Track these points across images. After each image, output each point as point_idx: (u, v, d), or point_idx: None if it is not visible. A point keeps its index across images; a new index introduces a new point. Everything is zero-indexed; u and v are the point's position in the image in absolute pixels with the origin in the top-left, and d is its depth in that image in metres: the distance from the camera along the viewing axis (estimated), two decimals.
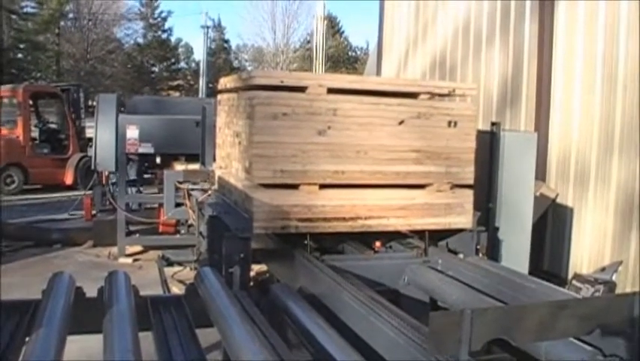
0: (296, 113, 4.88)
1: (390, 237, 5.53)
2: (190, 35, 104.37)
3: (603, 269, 7.53)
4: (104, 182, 12.20)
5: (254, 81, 5.02)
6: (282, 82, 4.95)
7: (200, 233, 6.50)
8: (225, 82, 6.07)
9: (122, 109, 11.44)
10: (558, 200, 8.38)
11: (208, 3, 67.79)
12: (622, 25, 7.52)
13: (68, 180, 17.91)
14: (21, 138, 17.97)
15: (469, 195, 5.45)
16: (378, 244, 5.49)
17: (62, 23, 53.25)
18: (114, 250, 10.66)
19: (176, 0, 79.89)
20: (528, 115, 9.06)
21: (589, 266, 7.89)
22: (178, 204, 7.65)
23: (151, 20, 60.38)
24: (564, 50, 8.51)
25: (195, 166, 9.01)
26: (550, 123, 8.61)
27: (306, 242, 5.04)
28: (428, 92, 5.39)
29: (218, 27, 64.19)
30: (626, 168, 7.40)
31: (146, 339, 3.56)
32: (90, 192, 12.99)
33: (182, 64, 65.62)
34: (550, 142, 8.57)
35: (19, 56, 49.83)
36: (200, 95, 40.74)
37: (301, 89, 4.96)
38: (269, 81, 4.99)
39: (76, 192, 15.95)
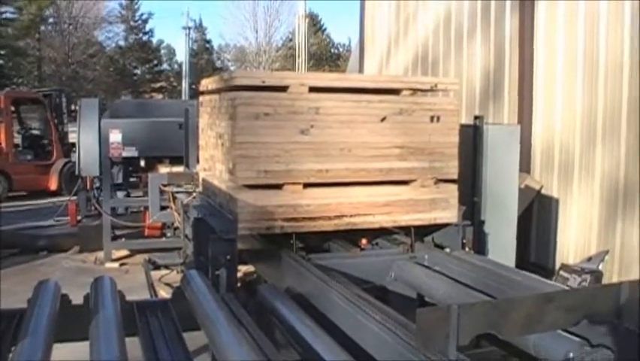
0: (278, 113, 4.87)
1: (376, 234, 5.53)
2: (172, 37, 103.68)
3: (590, 259, 7.57)
4: (88, 187, 12.13)
5: (235, 82, 5.00)
6: (263, 82, 4.94)
7: (186, 236, 6.48)
8: (207, 83, 6.05)
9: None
10: (543, 191, 8.41)
11: (189, 3, 67.30)
12: (602, 16, 7.55)
13: (53, 185, 17.82)
14: (3, 144, 17.82)
15: (453, 190, 5.46)
16: (364, 241, 5.49)
17: (43, 28, 53.06)
18: (100, 255, 10.60)
19: (157, 1, 79.76)
20: (511, 108, 9.09)
21: (575, 256, 7.93)
22: (163, 207, 7.63)
23: (132, 23, 60.29)
24: (545, 42, 8.54)
25: (180, 169, 8.98)
26: (533, 115, 8.64)
27: (292, 242, 5.03)
28: (410, 88, 5.38)
29: (200, 27, 64.17)
30: (609, 158, 7.43)
31: (133, 344, 3.54)
32: (75, 197, 12.91)
33: (165, 65, 65.60)
34: (534, 134, 8.60)
35: (0, 62, 49.54)
36: (183, 96, 40.57)
37: (283, 89, 4.95)
38: (250, 81, 4.97)
39: (61, 198, 15.86)
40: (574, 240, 8.02)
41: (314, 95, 4.99)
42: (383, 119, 5.14)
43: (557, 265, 8.01)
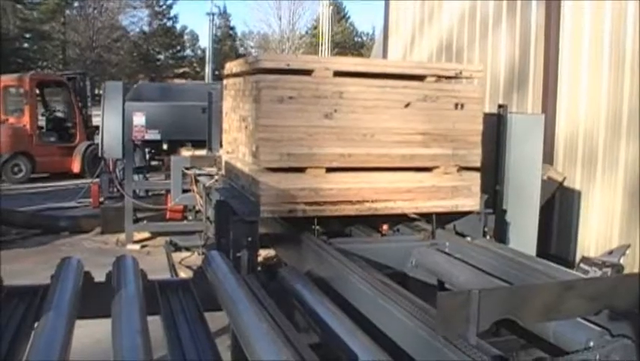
0: (302, 97, 4.87)
1: (398, 220, 5.53)
2: (195, 23, 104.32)
3: (611, 252, 7.52)
4: (111, 169, 12.22)
5: (260, 65, 5.01)
6: (288, 65, 4.94)
7: (208, 218, 6.51)
8: (232, 66, 6.06)
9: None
10: (565, 183, 8.35)
11: None
12: (629, 6, 7.47)
13: (75, 168, 17.94)
14: (28, 126, 17.97)
15: (476, 178, 5.44)
16: (385, 227, 5.50)
17: (68, 12, 53.32)
18: (122, 236, 10.68)
19: None
20: (535, 97, 9.02)
21: (596, 249, 7.88)
22: (185, 190, 7.66)
23: (156, 8, 60.43)
24: (571, 32, 8.46)
25: (202, 152, 9.02)
26: (557, 106, 8.57)
27: (313, 226, 5.04)
28: (434, 75, 5.36)
29: (224, 14, 64.25)
30: (634, 150, 7.36)
31: (155, 323, 3.57)
32: (97, 179, 13.03)
33: (188, 51, 65.72)
34: (558, 125, 8.54)
35: (25, 45, 49.90)
36: (206, 81, 40.70)
37: (307, 72, 4.95)
38: (275, 64, 4.98)
39: (83, 180, 15.98)
40: (595, 232, 7.97)
41: (338, 80, 4.99)
42: (407, 105, 5.13)
43: (578, 258, 7.96)
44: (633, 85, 7.40)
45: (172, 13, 62.10)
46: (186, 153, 9.70)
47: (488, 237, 5.42)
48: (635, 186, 7.37)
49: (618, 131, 7.60)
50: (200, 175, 7.07)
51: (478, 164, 5.44)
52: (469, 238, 5.31)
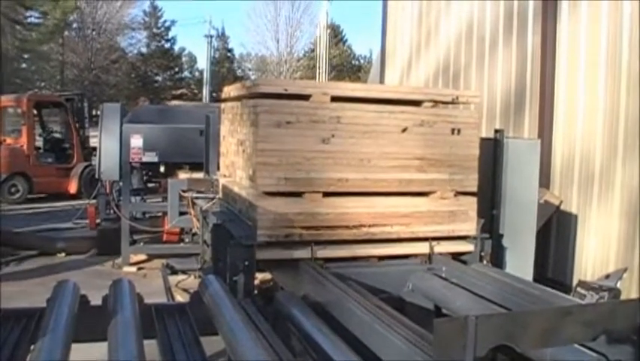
0: (300, 122, 4.90)
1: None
2: (193, 44, 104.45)
3: (608, 276, 7.50)
4: (108, 191, 12.20)
5: (258, 89, 5.03)
6: (285, 90, 4.97)
7: (205, 241, 6.50)
8: (229, 90, 6.09)
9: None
10: (562, 207, 8.36)
11: (211, 11, 67.75)
12: (625, 31, 7.52)
13: (72, 189, 17.89)
14: (25, 147, 17.94)
15: (472, 202, 5.46)
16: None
17: (66, 33, 53.45)
18: (118, 259, 10.65)
19: (180, 9, 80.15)
20: (532, 120, 9.05)
21: (594, 273, 7.87)
22: (182, 213, 7.66)
23: (154, 30, 60.60)
24: (568, 57, 8.50)
25: (199, 175, 9.01)
26: (553, 130, 8.60)
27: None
28: (431, 100, 5.40)
29: (222, 36, 64.40)
30: (630, 175, 7.37)
31: (151, 347, 3.56)
32: (94, 201, 12.98)
33: (186, 73, 65.87)
34: (554, 149, 8.56)
35: (24, 65, 49.97)
36: (204, 102, 40.78)
37: (305, 97, 4.98)
38: (273, 89, 5.01)
39: (80, 201, 15.94)
40: (592, 256, 7.96)
41: (336, 105, 5.02)
42: (404, 130, 5.15)
43: (575, 282, 7.95)
44: (629, 107, 7.42)
45: (170, 35, 62.30)
46: (183, 175, 9.70)
47: (485, 261, 5.43)
48: (631, 210, 7.38)
49: (614, 156, 7.61)
50: (197, 198, 7.07)
51: (474, 188, 5.46)
52: (465, 263, 5.31)
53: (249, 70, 65.67)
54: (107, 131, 10.54)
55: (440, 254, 5.41)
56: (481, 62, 10.50)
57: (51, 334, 3.20)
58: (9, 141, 18.34)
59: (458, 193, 5.41)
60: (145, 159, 10.55)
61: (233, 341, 3.33)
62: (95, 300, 4.09)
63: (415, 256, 5.42)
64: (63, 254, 11.17)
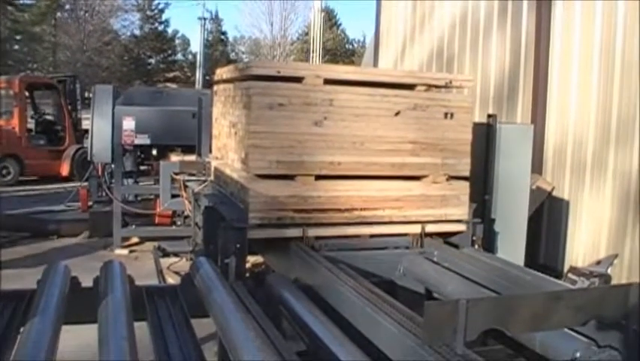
0: (292, 104, 4.88)
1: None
2: (187, 27, 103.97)
3: (599, 262, 7.53)
4: (100, 173, 12.16)
5: (251, 71, 5.01)
6: (278, 72, 4.95)
7: (196, 224, 6.49)
8: (222, 72, 6.06)
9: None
10: (554, 193, 8.38)
11: None
12: (619, 16, 7.51)
13: (64, 171, 17.84)
14: (17, 129, 17.86)
15: (465, 187, 5.46)
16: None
17: (59, 14, 53.04)
18: (110, 240, 10.63)
19: None
20: (525, 106, 9.05)
21: (585, 259, 7.89)
22: (174, 196, 7.64)
23: (148, 12, 60.20)
24: (562, 42, 8.49)
25: (192, 157, 8.99)
26: (546, 116, 8.60)
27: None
28: (425, 84, 5.38)
29: (216, 19, 64.09)
30: (622, 160, 7.39)
31: (142, 329, 3.56)
32: (86, 183, 12.96)
33: (179, 56, 65.57)
34: (547, 134, 8.56)
35: (16, 47, 49.57)
36: (197, 86, 40.62)
37: (298, 80, 4.96)
38: (266, 71, 4.98)
39: (72, 184, 15.89)
40: (584, 242, 7.99)
41: (329, 87, 5.00)
42: (397, 114, 5.14)
43: (566, 268, 7.98)
44: (622, 94, 7.43)
45: (163, 17, 61.90)
46: (175, 158, 9.67)
47: (477, 246, 5.44)
48: (623, 197, 7.40)
49: (607, 142, 7.62)
50: (189, 181, 7.05)
51: (467, 173, 5.46)
52: (457, 247, 5.32)
53: (243, 53, 65.48)
54: (100, 113, 10.48)
55: (431, 237, 5.42)
56: (475, 47, 10.48)
57: (41, 315, 3.19)
58: (1, 122, 18.25)
59: (450, 178, 5.41)
60: (137, 142, 10.51)
61: (224, 323, 3.32)
62: (86, 283, 4.08)
63: (406, 234, 5.41)
64: (55, 237, 11.15)
